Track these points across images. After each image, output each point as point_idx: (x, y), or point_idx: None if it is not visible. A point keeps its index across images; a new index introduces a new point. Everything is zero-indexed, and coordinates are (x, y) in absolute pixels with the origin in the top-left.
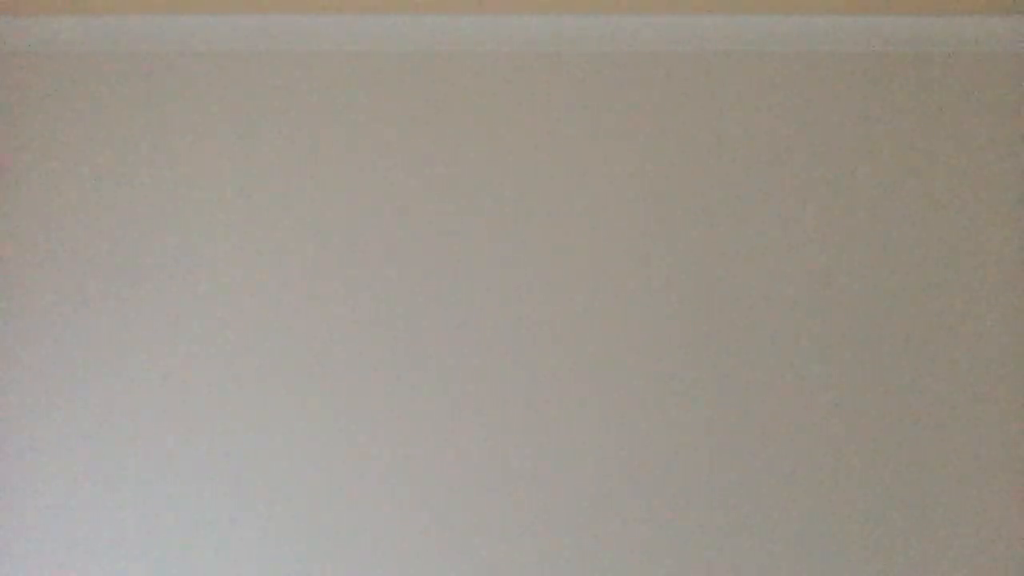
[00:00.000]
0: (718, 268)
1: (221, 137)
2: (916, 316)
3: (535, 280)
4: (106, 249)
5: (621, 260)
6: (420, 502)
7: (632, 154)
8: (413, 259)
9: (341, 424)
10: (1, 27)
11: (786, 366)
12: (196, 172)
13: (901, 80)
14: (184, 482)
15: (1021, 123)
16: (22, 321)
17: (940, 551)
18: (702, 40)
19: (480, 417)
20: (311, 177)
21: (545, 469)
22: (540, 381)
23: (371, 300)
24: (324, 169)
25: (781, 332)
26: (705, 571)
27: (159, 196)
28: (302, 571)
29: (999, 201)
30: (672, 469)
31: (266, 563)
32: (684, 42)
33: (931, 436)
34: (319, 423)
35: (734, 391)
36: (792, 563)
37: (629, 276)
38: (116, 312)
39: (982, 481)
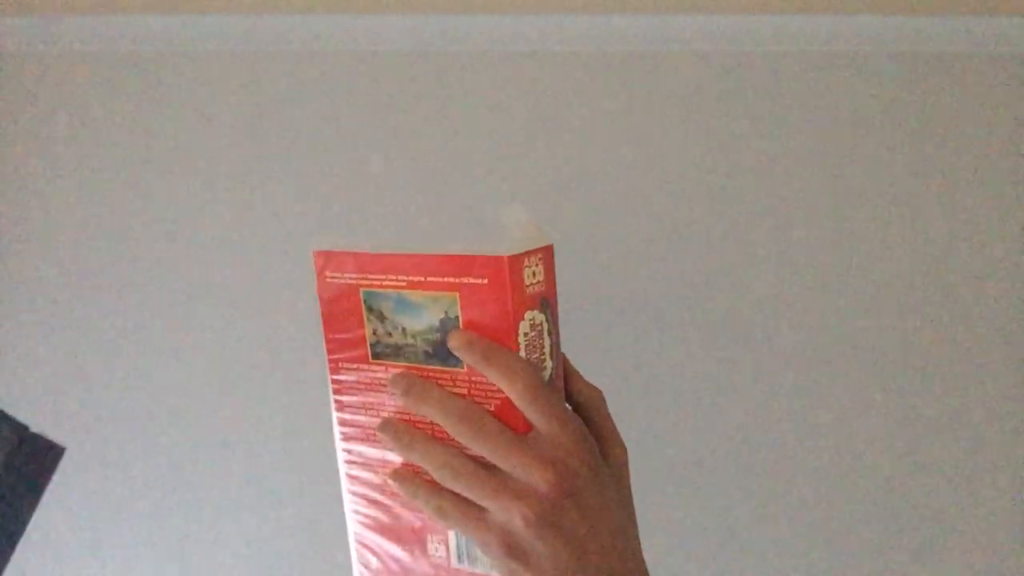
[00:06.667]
0: (717, 268)
1: (221, 137)
2: (915, 316)
3: None
4: (106, 249)
5: (618, 260)
6: None
7: (631, 154)
8: None
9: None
10: (1, 27)
11: (784, 366)
12: (196, 172)
13: (901, 80)
14: (186, 485)
15: (1021, 123)
16: (21, 321)
17: (941, 551)
18: (702, 40)
19: None
20: (311, 177)
21: None
22: None
23: None
24: (324, 169)
25: (780, 332)
26: (705, 569)
27: (159, 196)
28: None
29: (999, 201)
30: (670, 468)
31: (267, 560)
32: (684, 42)
33: (933, 436)
34: (319, 428)
35: (731, 391)
36: (791, 562)
37: (627, 276)
38: (115, 312)
39: (982, 481)
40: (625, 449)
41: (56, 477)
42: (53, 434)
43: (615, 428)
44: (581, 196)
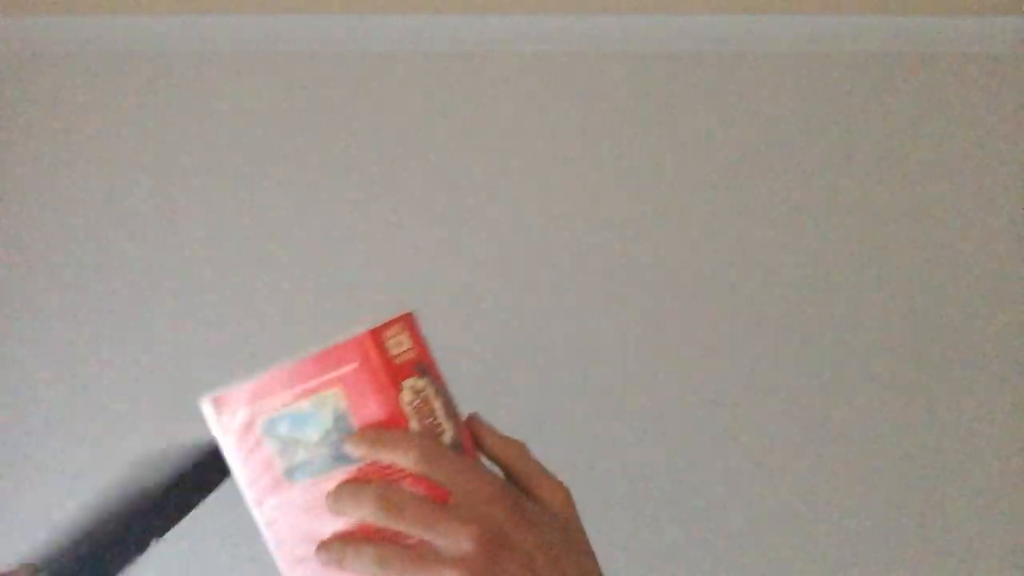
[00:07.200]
0: (717, 268)
1: (221, 137)
2: (915, 316)
3: (535, 281)
4: (106, 250)
5: (620, 261)
6: None
7: (632, 155)
8: (412, 261)
9: None
10: (1, 27)
11: (785, 366)
12: (196, 172)
13: (901, 80)
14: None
15: (1021, 123)
16: (22, 322)
17: (941, 552)
18: (702, 40)
19: None
20: (311, 177)
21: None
22: (533, 384)
23: (373, 303)
24: (324, 169)
25: (780, 332)
26: (706, 570)
27: (159, 197)
28: None
29: (999, 201)
30: (669, 469)
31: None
32: (684, 42)
33: (935, 436)
34: None
35: (731, 391)
36: (793, 564)
37: (627, 277)
38: (114, 312)
39: (983, 482)
40: (564, 489)
41: (55, 476)
42: (53, 434)
43: (545, 472)
44: (579, 195)
